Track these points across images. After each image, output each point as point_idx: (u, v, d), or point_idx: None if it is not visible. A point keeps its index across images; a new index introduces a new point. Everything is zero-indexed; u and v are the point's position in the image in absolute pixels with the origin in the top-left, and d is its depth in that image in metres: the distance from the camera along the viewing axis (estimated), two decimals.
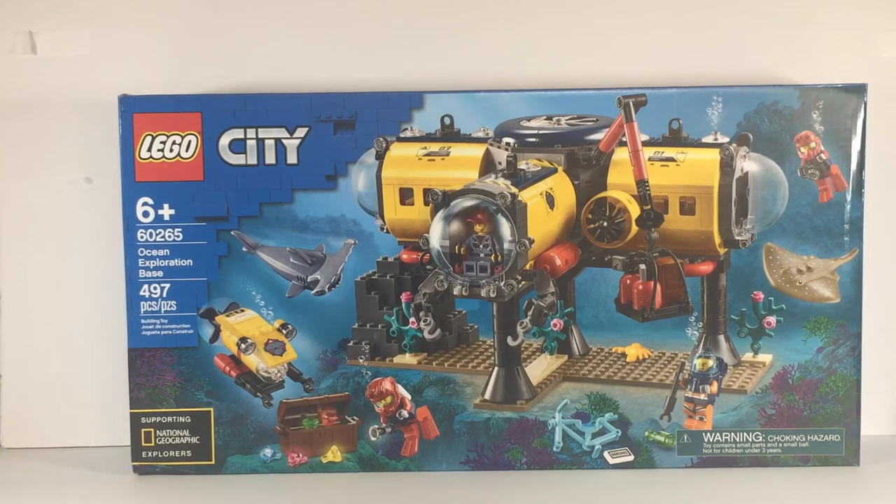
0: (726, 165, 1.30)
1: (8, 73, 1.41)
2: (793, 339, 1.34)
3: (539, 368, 1.36)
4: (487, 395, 1.35)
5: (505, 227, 1.27)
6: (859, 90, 1.31)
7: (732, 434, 1.34)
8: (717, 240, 1.31)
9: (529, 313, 1.31)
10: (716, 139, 1.31)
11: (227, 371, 1.34)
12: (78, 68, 1.40)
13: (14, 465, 1.39)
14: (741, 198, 1.31)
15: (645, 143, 1.30)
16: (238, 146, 1.32)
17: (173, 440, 1.34)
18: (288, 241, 1.34)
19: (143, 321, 1.34)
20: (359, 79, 1.38)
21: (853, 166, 1.31)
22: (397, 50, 1.40)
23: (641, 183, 1.30)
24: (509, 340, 1.32)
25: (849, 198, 1.32)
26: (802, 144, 1.31)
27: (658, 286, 1.31)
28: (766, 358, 1.34)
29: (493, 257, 1.28)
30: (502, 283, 1.28)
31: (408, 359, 1.36)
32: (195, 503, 1.29)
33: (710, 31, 1.41)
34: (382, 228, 1.34)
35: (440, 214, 1.28)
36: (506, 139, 1.32)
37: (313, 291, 1.34)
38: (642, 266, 1.31)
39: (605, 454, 1.34)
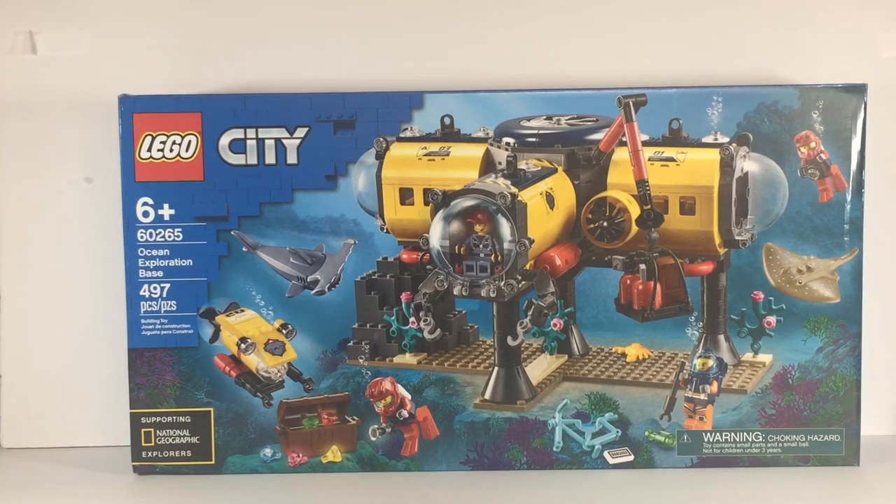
0: (726, 165, 1.30)
1: (8, 73, 1.41)
2: (793, 339, 1.33)
3: (539, 368, 1.36)
4: (487, 395, 1.35)
5: (505, 227, 1.27)
6: (859, 90, 1.31)
7: (732, 434, 1.34)
8: (717, 240, 1.31)
9: (529, 313, 1.31)
10: (716, 139, 1.31)
11: (227, 371, 1.34)
12: (78, 68, 1.40)
13: (14, 465, 1.39)
14: (741, 198, 1.31)
15: (645, 143, 1.30)
16: (238, 146, 1.32)
17: (173, 440, 1.34)
18: (288, 241, 1.33)
19: (143, 321, 1.34)
20: (359, 79, 1.38)
21: (853, 166, 1.31)
22: (397, 50, 1.40)
23: (641, 183, 1.30)
24: (509, 340, 1.32)
25: (849, 198, 1.32)
26: (802, 144, 1.31)
27: (658, 286, 1.31)
28: (766, 358, 1.34)
29: (493, 257, 1.27)
30: (502, 283, 1.28)
31: (408, 359, 1.36)
32: (195, 503, 1.29)
33: (710, 31, 1.41)
34: (382, 228, 1.34)
35: (440, 214, 1.28)
36: (506, 139, 1.32)
37: (313, 291, 1.34)
38: (642, 266, 1.31)
39: (605, 454, 1.34)
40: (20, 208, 1.42)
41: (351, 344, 1.35)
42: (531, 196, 1.29)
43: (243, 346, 1.33)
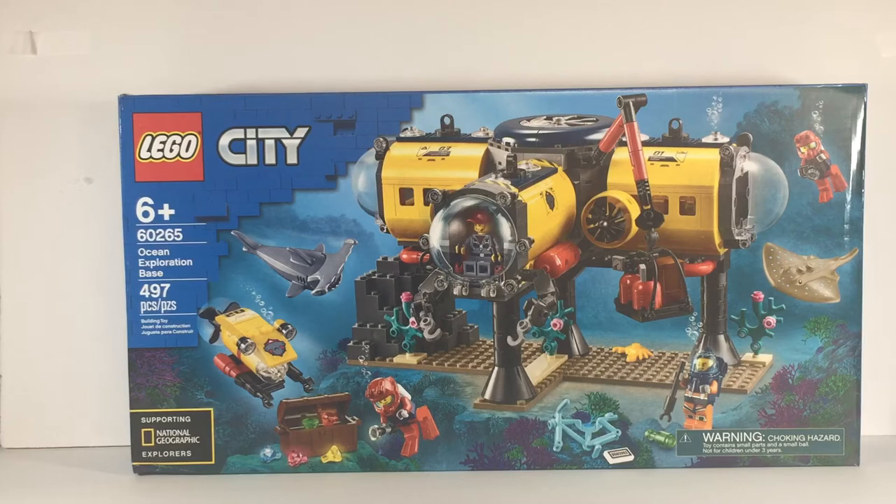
0: (726, 165, 1.30)
1: (8, 73, 1.41)
2: (793, 338, 1.33)
3: (539, 368, 1.36)
4: (487, 395, 1.34)
5: (505, 227, 1.26)
6: (859, 90, 1.31)
7: (732, 434, 1.34)
8: (717, 240, 1.31)
9: (529, 313, 1.31)
10: (716, 139, 1.31)
11: (227, 371, 1.34)
12: (78, 68, 1.40)
13: (14, 465, 1.39)
14: (741, 198, 1.31)
15: (645, 143, 1.30)
16: (238, 146, 1.32)
17: (173, 440, 1.34)
18: (288, 241, 1.33)
19: (143, 321, 1.33)
20: (359, 79, 1.38)
21: (853, 166, 1.31)
22: (397, 50, 1.40)
23: (641, 183, 1.30)
24: (509, 340, 1.32)
25: (849, 198, 1.31)
26: (802, 144, 1.31)
27: (658, 286, 1.31)
28: (766, 358, 1.34)
29: (493, 257, 1.27)
30: (502, 283, 1.27)
31: (408, 359, 1.36)
32: (195, 503, 1.29)
33: (710, 31, 1.40)
34: (382, 228, 1.34)
35: (440, 214, 1.28)
36: (506, 139, 1.31)
37: (313, 291, 1.34)
38: (642, 266, 1.31)
39: (606, 454, 1.34)
40: (20, 208, 1.42)
41: (351, 344, 1.35)
42: (531, 196, 1.29)
43: (243, 346, 1.33)
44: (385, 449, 1.35)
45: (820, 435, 1.34)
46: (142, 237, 1.33)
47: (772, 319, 1.33)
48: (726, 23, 1.40)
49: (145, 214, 1.33)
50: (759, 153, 1.31)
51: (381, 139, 1.32)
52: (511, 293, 1.28)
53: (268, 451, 1.35)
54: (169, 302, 1.33)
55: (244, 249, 1.33)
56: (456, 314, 1.39)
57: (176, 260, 1.33)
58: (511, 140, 1.31)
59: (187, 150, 1.32)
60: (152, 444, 1.34)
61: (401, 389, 1.34)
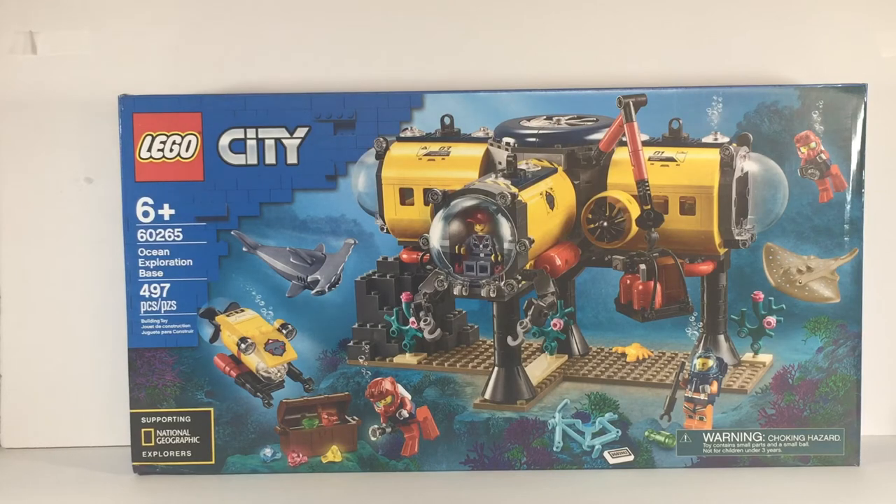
0: (726, 165, 1.29)
1: (8, 72, 1.40)
2: (793, 339, 1.33)
3: (539, 368, 1.35)
4: (487, 395, 1.34)
5: (505, 227, 1.26)
6: (859, 90, 1.30)
7: (732, 434, 1.34)
8: (717, 240, 1.31)
9: (529, 313, 1.31)
10: (716, 139, 1.31)
11: (227, 371, 1.34)
12: (78, 68, 1.40)
13: (14, 465, 1.39)
14: (741, 198, 1.31)
15: (645, 143, 1.30)
16: (238, 146, 1.32)
17: (173, 440, 1.34)
18: (288, 241, 1.33)
19: (143, 321, 1.33)
20: (359, 79, 1.38)
21: (853, 166, 1.31)
22: (397, 50, 1.40)
23: (641, 183, 1.30)
24: (509, 340, 1.32)
25: (849, 198, 1.31)
26: (802, 144, 1.31)
27: (658, 286, 1.31)
28: (766, 358, 1.34)
29: (493, 257, 1.27)
30: (502, 283, 1.27)
31: (408, 359, 1.36)
32: (195, 503, 1.28)
33: (709, 31, 1.40)
34: (382, 228, 1.34)
35: (440, 214, 1.27)
36: (506, 139, 1.31)
37: (313, 291, 1.33)
38: (642, 266, 1.31)
39: (606, 454, 1.34)
40: (20, 208, 1.42)
41: (351, 344, 1.35)
42: (531, 196, 1.28)
43: (243, 346, 1.33)
44: (385, 449, 1.34)
45: (820, 435, 1.34)
46: (142, 237, 1.33)
47: (772, 319, 1.33)
48: (726, 23, 1.40)
49: (145, 214, 1.32)
50: (759, 153, 1.31)
51: (382, 139, 1.32)
52: (511, 293, 1.28)
53: (268, 451, 1.34)
54: (169, 302, 1.33)
55: (244, 249, 1.33)
56: (456, 314, 1.39)
57: (176, 260, 1.33)
58: (511, 140, 1.31)
59: (187, 150, 1.32)
60: (152, 444, 1.34)
61: (401, 389, 1.34)
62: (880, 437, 1.41)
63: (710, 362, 1.33)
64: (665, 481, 1.31)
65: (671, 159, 1.31)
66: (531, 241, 1.27)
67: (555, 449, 1.34)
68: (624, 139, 1.29)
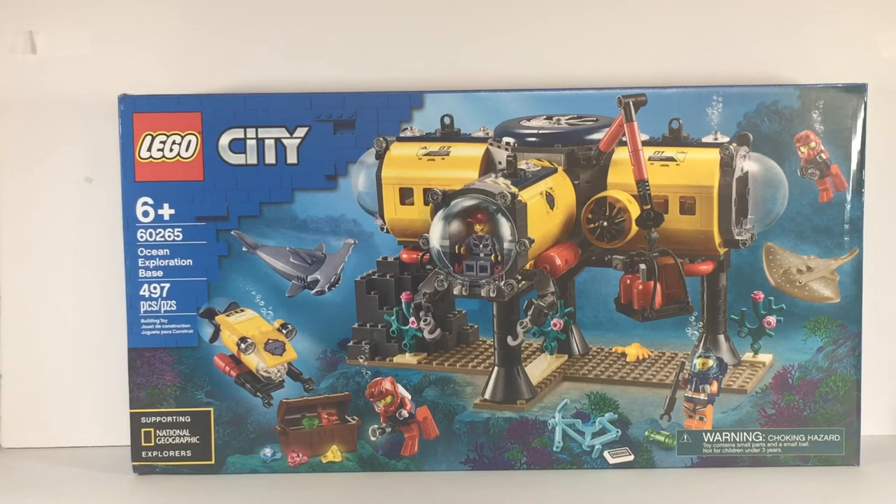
0: (726, 165, 1.29)
1: (8, 72, 1.40)
2: (793, 338, 1.33)
3: (539, 368, 1.35)
4: (487, 395, 1.34)
5: (505, 227, 1.26)
6: (859, 90, 1.30)
7: (732, 434, 1.33)
8: (717, 239, 1.31)
9: (529, 313, 1.30)
10: (716, 139, 1.30)
11: (227, 371, 1.34)
12: (78, 68, 1.40)
13: (14, 464, 1.39)
14: (741, 197, 1.31)
15: (645, 143, 1.30)
16: (238, 146, 1.32)
17: (173, 440, 1.34)
18: (288, 241, 1.33)
19: (142, 321, 1.33)
20: (359, 78, 1.38)
21: (853, 166, 1.31)
22: (397, 50, 1.40)
23: (641, 182, 1.29)
24: (509, 340, 1.32)
25: (849, 197, 1.31)
26: (802, 144, 1.31)
27: (658, 286, 1.30)
28: (766, 358, 1.34)
29: (493, 257, 1.27)
30: (502, 283, 1.27)
31: (408, 358, 1.36)
32: (195, 503, 1.28)
33: (709, 31, 1.40)
34: (382, 228, 1.34)
35: (440, 214, 1.27)
36: (506, 139, 1.31)
37: (313, 291, 1.33)
38: (642, 266, 1.30)
39: (605, 454, 1.34)
40: (20, 208, 1.41)
41: (351, 344, 1.34)
42: (531, 196, 1.28)
43: (243, 345, 1.33)
44: (385, 449, 1.34)
45: (820, 435, 1.33)
46: (141, 237, 1.32)
47: (772, 319, 1.32)
48: (726, 23, 1.40)
49: (145, 214, 1.32)
50: (759, 153, 1.31)
51: (381, 139, 1.32)
52: (511, 293, 1.28)
53: (268, 451, 1.34)
54: (169, 302, 1.33)
55: (244, 249, 1.33)
56: (456, 314, 1.38)
57: (176, 260, 1.33)
58: (511, 140, 1.31)
59: (187, 149, 1.31)
60: (152, 443, 1.34)
61: (401, 389, 1.34)
62: (880, 436, 1.41)
63: (710, 362, 1.32)
64: (665, 481, 1.31)
65: (671, 159, 1.30)
66: (531, 241, 1.27)
67: (555, 449, 1.34)
68: (624, 139, 1.29)
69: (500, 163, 1.32)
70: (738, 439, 1.33)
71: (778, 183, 1.31)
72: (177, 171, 1.32)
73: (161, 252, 1.33)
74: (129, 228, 1.32)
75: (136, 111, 1.31)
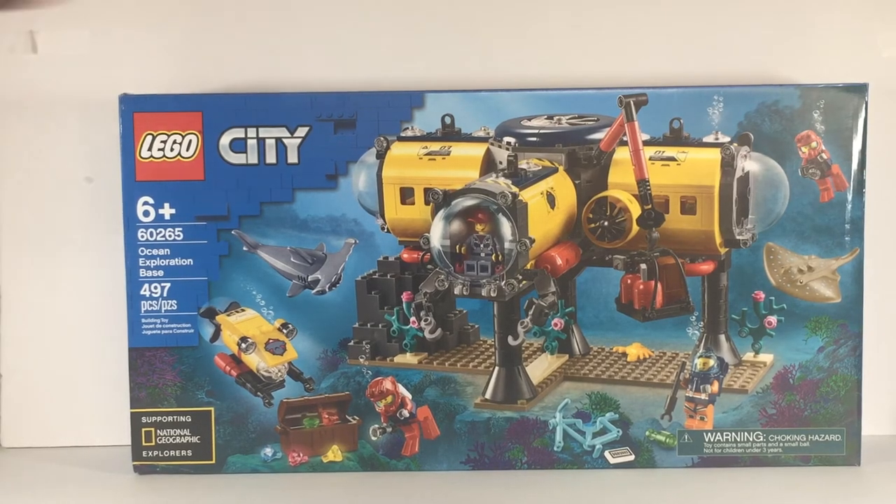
0: (727, 165, 1.29)
1: (8, 72, 1.40)
2: (794, 338, 1.32)
3: (540, 368, 1.35)
4: (488, 395, 1.33)
5: (506, 227, 1.26)
6: (860, 90, 1.30)
7: (733, 434, 1.33)
8: (718, 239, 1.30)
9: (530, 313, 1.30)
10: (717, 139, 1.30)
11: (227, 370, 1.33)
12: (78, 68, 1.39)
13: (14, 464, 1.38)
14: (742, 197, 1.30)
15: (646, 143, 1.29)
16: (239, 145, 1.31)
17: (174, 440, 1.33)
18: (288, 241, 1.32)
19: (143, 320, 1.32)
20: (360, 78, 1.37)
21: (854, 166, 1.30)
22: (398, 49, 1.39)
23: (642, 182, 1.29)
24: (510, 340, 1.31)
25: (850, 197, 1.31)
26: (803, 144, 1.30)
27: (659, 286, 1.30)
28: (766, 358, 1.33)
29: (493, 257, 1.26)
30: (503, 283, 1.27)
31: (408, 358, 1.35)
32: (195, 503, 1.28)
33: (710, 30, 1.40)
34: (383, 228, 1.33)
35: (441, 214, 1.27)
36: (507, 138, 1.31)
37: (314, 291, 1.33)
38: (643, 266, 1.30)
39: (606, 454, 1.33)
40: (20, 208, 1.41)
41: (352, 343, 1.34)
42: (532, 196, 1.28)
43: (244, 345, 1.32)
44: (386, 448, 1.34)
45: (821, 435, 1.33)
46: (142, 236, 1.32)
47: (773, 319, 1.32)
48: (726, 22, 1.39)
49: (146, 214, 1.32)
50: (760, 153, 1.30)
51: (382, 138, 1.31)
52: (512, 293, 1.27)
53: (268, 451, 1.34)
54: (169, 301, 1.32)
55: (245, 249, 1.32)
56: (457, 314, 1.38)
57: (176, 259, 1.32)
58: (512, 139, 1.30)
59: (188, 149, 1.31)
60: (153, 443, 1.33)
61: (401, 389, 1.33)
62: (881, 436, 1.41)
63: (711, 362, 1.32)
64: (666, 481, 1.30)
65: (672, 159, 1.30)
66: (532, 241, 1.26)
67: (555, 448, 1.33)
68: (625, 138, 1.29)
69: (500, 162, 1.31)
70: (738, 439, 1.33)
71: (779, 183, 1.31)
72: (177, 170, 1.31)
73: (162, 252, 1.32)
74: (129, 228, 1.32)
75: (136, 110, 1.30)
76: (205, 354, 1.33)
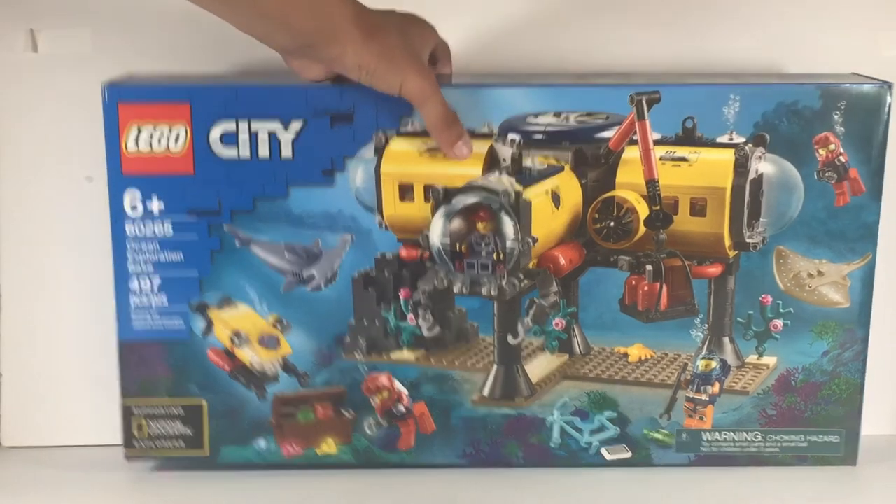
0: (740, 166, 1.20)
1: (8, 71, 1.28)
2: (799, 342, 1.24)
3: (539, 367, 1.29)
4: (486, 392, 1.27)
5: (508, 226, 1.18)
6: (884, 90, 1.21)
7: (731, 433, 1.28)
8: (728, 242, 1.22)
9: (531, 312, 1.24)
10: (731, 139, 1.20)
11: (221, 365, 1.27)
12: (79, 67, 1.28)
13: (14, 463, 1.30)
14: (754, 200, 1.20)
15: (657, 142, 1.18)
16: (230, 139, 1.23)
17: (166, 430, 1.28)
18: (283, 237, 1.24)
19: (133, 315, 1.25)
20: None
21: (872, 170, 1.24)
22: None
23: (651, 183, 1.20)
24: (510, 339, 1.25)
25: (866, 202, 1.25)
26: (821, 146, 1.21)
27: (664, 287, 1.25)
28: (770, 360, 1.25)
29: (495, 256, 1.21)
30: (504, 282, 1.22)
31: (405, 355, 1.29)
32: (193, 500, 1.24)
33: (711, 29, 1.30)
34: (381, 225, 1.27)
35: (441, 211, 1.17)
36: (510, 135, 1.23)
37: (309, 287, 1.28)
38: (648, 267, 1.23)
39: (603, 450, 1.29)
40: (20, 207, 1.30)
41: (347, 339, 1.28)
42: (536, 194, 1.19)
43: (237, 340, 1.26)
44: (381, 442, 1.29)
45: (819, 435, 1.28)
46: (130, 231, 1.24)
47: (778, 323, 1.25)
48: (724, 21, 1.31)
49: (133, 208, 1.25)
50: (776, 154, 1.22)
51: (381, 133, 1.24)
52: (513, 292, 1.20)
53: (262, 444, 1.30)
54: (161, 296, 1.26)
55: (237, 244, 1.27)
56: (456, 312, 1.30)
57: (167, 254, 1.24)
58: (516, 137, 1.23)
59: (176, 142, 1.23)
60: (145, 435, 1.29)
61: (397, 384, 1.29)
62: (879, 436, 1.34)
63: (714, 364, 1.27)
64: (662, 479, 1.24)
65: (683, 159, 1.21)
66: (534, 240, 1.20)
67: (552, 445, 1.30)
68: (635, 137, 1.21)
69: (504, 160, 1.24)
70: (736, 438, 1.28)
71: (794, 186, 1.22)
72: (166, 164, 1.21)
73: (152, 247, 1.25)
74: (116, 222, 1.22)
75: (121, 100, 1.20)
76: (197, 349, 1.25)
